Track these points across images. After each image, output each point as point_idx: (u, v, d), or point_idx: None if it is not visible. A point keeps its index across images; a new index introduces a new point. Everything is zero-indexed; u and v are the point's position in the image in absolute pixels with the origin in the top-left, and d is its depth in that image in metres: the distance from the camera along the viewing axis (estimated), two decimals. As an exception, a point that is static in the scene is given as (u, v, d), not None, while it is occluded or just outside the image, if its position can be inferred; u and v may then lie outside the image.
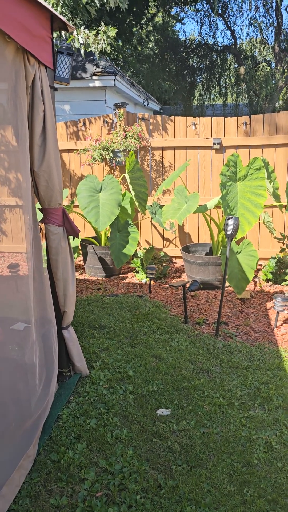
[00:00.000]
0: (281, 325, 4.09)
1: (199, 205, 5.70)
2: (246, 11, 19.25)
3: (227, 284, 4.96)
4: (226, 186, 4.31)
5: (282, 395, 2.93)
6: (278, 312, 3.95)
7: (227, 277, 4.25)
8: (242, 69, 17.60)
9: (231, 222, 3.67)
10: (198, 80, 21.11)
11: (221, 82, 19.72)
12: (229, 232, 3.68)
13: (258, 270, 5.63)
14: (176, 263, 6.08)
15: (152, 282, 5.24)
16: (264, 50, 19.78)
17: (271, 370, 3.25)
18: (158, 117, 5.78)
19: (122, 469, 2.25)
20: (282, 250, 5.15)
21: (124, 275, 5.56)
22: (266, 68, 17.08)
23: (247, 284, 4.35)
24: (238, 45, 19.21)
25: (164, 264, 5.71)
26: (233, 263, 4.31)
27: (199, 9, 18.81)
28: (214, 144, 5.63)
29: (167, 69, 20.63)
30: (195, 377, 3.13)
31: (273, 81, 16.41)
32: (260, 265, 5.80)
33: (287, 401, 2.85)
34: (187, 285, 4.79)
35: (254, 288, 5.07)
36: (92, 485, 2.16)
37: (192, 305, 4.59)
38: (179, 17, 20.04)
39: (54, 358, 2.73)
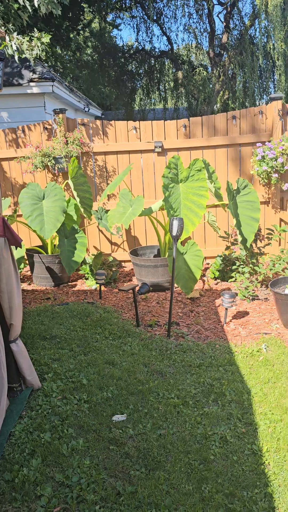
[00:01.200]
0: (230, 321, 4.19)
1: (144, 208, 5.74)
2: (180, 18, 19.72)
3: (175, 284, 5.02)
4: (168, 188, 4.37)
5: (234, 389, 3.00)
6: (226, 309, 4.05)
7: (174, 277, 4.30)
8: (180, 74, 18.01)
9: (175, 223, 3.72)
10: (138, 85, 21.33)
11: (160, 86, 20.06)
12: (174, 233, 3.73)
13: (205, 269, 5.76)
14: (125, 267, 6.08)
15: (102, 288, 5.20)
16: (200, 55, 20.37)
17: (222, 366, 3.32)
18: (98, 122, 5.77)
19: (80, 480, 2.20)
20: (227, 248, 5.29)
21: (74, 283, 5.47)
22: (203, 73, 17.60)
23: (195, 284, 4.43)
24: (174, 51, 19.64)
25: (113, 269, 5.69)
26: (180, 264, 4.37)
27: (135, 15, 19.03)
28: (155, 147, 5.70)
29: (107, 74, 20.69)
30: (149, 379, 3.14)
31: (210, 85, 16.92)
32: (208, 264, 5.93)
33: (239, 395, 2.92)
34: (137, 288, 4.79)
35: (203, 287, 5.17)
36: (49, 501, 2.09)
37: (143, 308, 4.61)
38: (116, 23, 20.17)
39: (3, 373, 2.62)
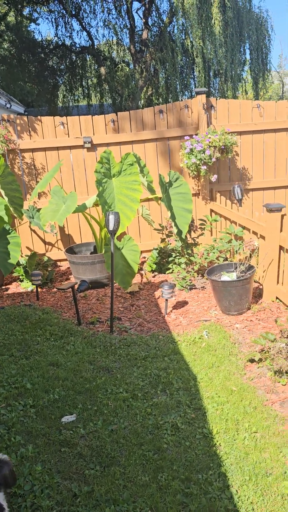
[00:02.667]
0: (171, 312, 4.26)
1: (78, 205, 5.64)
2: (100, 13, 19.54)
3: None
4: (102, 183, 4.33)
5: (181, 377, 3.05)
6: (166, 300, 4.11)
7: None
8: (102, 70, 17.91)
9: (111, 217, 3.69)
10: (61, 82, 20.91)
11: (83, 83, 19.82)
12: (111, 227, 3.70)
13: (142, 263, 5.80)
14: (61, 266, 5.95)
15: (39, 289, 5.04)
16: (121, 51, 20.41)
17: (167, 356, 3.36)
18: (25, 118, 5.56)
19: (33, 488, 2.11)
20: (163, 240, 5.37)
21: (7, 286, 5.25)
22: (125, 69, 17.65)
23: (133, 278, 4.44)
24: (95, 46, 19.48)
25: (49, 268, 5.54)
26: (117, 259, 4.36)
27: (53, 9, 18.58)
28: (85, 143, 5.61)
29: (27, 70, 20.03)
30: (96, 376, 3.09)
31: (134, 81, 17.03)
32: (144, 257, 5.98)
33: (186, 382, 2.98)
34: (76, 286, 4.71)
35: (141, 281, 5.21)
36: (1, 514, 1.98)
37: (84, 306, 4.54)
38: (33, 17, 19.56)
39: None
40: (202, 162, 5.39)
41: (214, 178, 5.51)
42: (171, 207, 4.59)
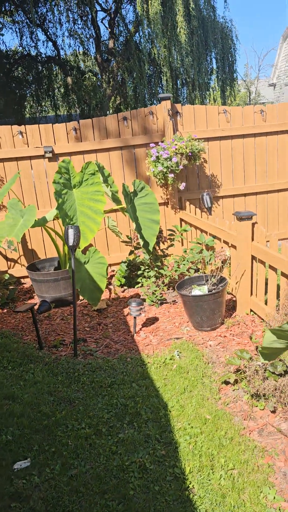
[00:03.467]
0: (141, 330, 3.98)
1: (38, 218, 5.32)
2: (65, 23, 19.31)
3: (81, 297, 4.69)
4: (61, 195, 4.04)
5: (150, 406, 2.76)
6: (135, 318, 3.83)
7: (79, 289, 3.97)
8: (69, 80, 17.66)
9: (71, 232, 3.40)
10: (27, 92, 20.54)
11: (50, 93, 19.51)
12: (70, 243, 3.40)
13: (111, 277, 5.51)
14: (25, 283, 5.59)
15: None
16: (88, 61, 20.25)
17: (136, 381, 3.07)
18: (-21, 128, 5.22)
19: None
20: (131, 252, 5.10)
21: None
22: (92, 78, 17.46)
23: (102, 294, 4.15)
24: (62, 56, 19.24)
25: (10, 287, 5.18)
26: (82, 275, 4.06)
27: (17, 20, 18.26)
28: (45, 152, 5.31)
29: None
30: (56, 410, 2.77)
31: (101, 90, 16.84)
32: (113, 271, 5.69)
33: (155, 412, 2.70)
34: (36, 307, 4.37)
35: (110, 296, 4.91)
36: None
37: (47, 327, 4.20)
38: (-4, 28, 19.15)
39: None
40: (169, 170, 5.17)
41: (182, 186, 5.30)
42: (137, 218, 4.33)
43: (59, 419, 2.67)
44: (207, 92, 18.45)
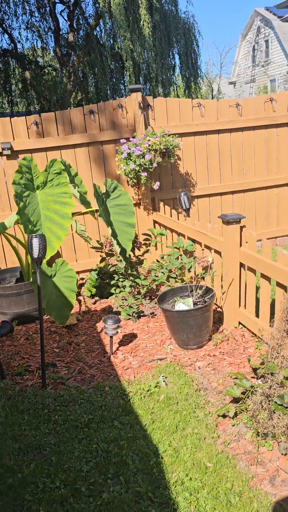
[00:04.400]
0: (118, 350, 3.51)
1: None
2: (22, 15, 18.42)
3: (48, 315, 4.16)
4: (23, 198, 3.50)
5: (137, 451, 2.31)
6: (111, 337, 3.35)
7: (44, 307, 3.45)
8: (28, 74, 16.84)
9: (35, 242, 2.88)
10: (-18, 87, 19.47)
11: (7, 88, 18.55)
12: (35, 254, 2.89)
13: (80, 286, 5.00)
14: (-17, 296, 4.98)
15: None
16: (47, 55, 19.44)
17: (117, 418, 2.60)
18: None
19: None
20: (103, 260, 4.61)
21: None
22: (52, 73, 16.72)
23: (71, 310, 3.64)
24: (19, 50, 18.35)
25: None
26: (49, 290, 3.54)
27: None
28: (3, 149, 4.73)
29: None
30: (22, 463, 2.27)
31: (62, 86, 16.15)
32: (82, 279, 5.18)
33: (145, 460, 2.24)
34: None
35: (80, 309, 4.41)
36: None
37: (9, 349, 3.66)
38: None
39: None
40: (142, 168, 4.72)
41: (156, 185, 4.86)
42: (111, 222, 3.85)
43: (27, 476, 2.17)
44: (170, 88, 18.10)
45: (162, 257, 4.30)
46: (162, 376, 2.97)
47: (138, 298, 4.03)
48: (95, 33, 16.44)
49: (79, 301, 4.60)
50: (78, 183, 4.23)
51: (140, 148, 4.62)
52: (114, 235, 3.77)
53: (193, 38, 17.82)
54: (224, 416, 2.52)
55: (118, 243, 3.79)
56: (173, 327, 3.31)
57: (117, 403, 2.74)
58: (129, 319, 4.00)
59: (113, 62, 17.31)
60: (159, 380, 2.94)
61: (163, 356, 3.30)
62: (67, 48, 16.94)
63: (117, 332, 3.31)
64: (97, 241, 4.63)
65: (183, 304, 3.31)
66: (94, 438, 2.42)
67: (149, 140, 4.70)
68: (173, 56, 17.84)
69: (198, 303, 3.41)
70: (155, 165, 4.71)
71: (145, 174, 4.73)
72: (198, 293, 3.43)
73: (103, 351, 3.50)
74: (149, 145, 4.65)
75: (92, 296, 4.67)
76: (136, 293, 4.19)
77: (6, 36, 20.67)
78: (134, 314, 3.98)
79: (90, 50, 15.99)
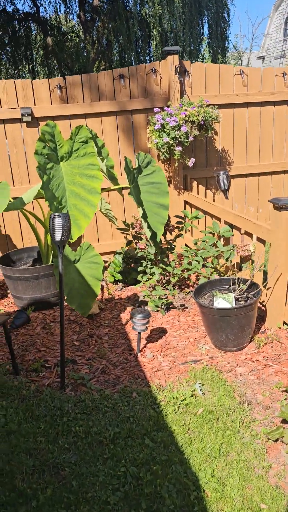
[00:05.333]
0: (145, 346, 3.12)
1: (13, 199, 4.35)
2: (45, -24, 17.57)
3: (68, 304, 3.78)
4: (47, 170, 3.07)
5: (174, 480, 1.93)
6: (139, 333, 2.96)
7: (65, 296, 3.07)
8: (49, 40, 16.13)
9: (58, 222, 2.46)
10: (3, 54, 18.80)
11: (28, 55, 17.85)
12: (57, 237, 2.47)
13: (104, 269, 4.59)
14: (-2, 275, 4.64)
15: None
16: (71, 20, 18.62)
17: (148, 434, 2.23)
18: None
19: None
20: (129, 242, 4.19)
21: None
22: (75, 39, 16.00)
23: (94, 300, 3.25)
24: (42, 14, 17.58)
25: (-21, 281, 4.23)
26: (71, 276, 3.14)
27: None
28: (23, 115, 4.28)
29: None
30: (37, 486, 1.91)
31: (85, 54, 15.44)
32: (105, 262, 4.78)
33: (184, 494, 1.87)
34: (9, 321, 3.45)
35: (102, 296, 4.02)
36: None
37: (24, 339, 3.30)
38: None
39: None
40: (177, 141, 4.23)
41: (191, 162, 4.37)
42: (141, 202, 3.41)
43: (43, 505, 1.81)
44: (197, 60, 17.22)
45: (196, 243, 3.86)
46: (198, 384, 2.57)
47: (168, 288, 3.61)
48: (122, -2, 15.56)
49: (102, 287, 4.21)
50: (105, 156, 3.77)
51: (175, 119, 4.12)
52: (144, 216, 3.33)
53: (225, 6, 16.80)
54: (276, 439, 2.13)
55: (149, 226, 3.36)
56: (210, 326, 2.90)
57: (147, 415, 2.36)
58: (157, 311, 3.59)
59: (139, 30, 16.44)
60: (195, 388, 2.55)
61: (198, 358, 2.90)
62: (91, 13, 16.12)
63: (146, 328, 2.92)
64: (123, 222, 4.20)
65: (223, 300, 2.88)
66: (121, 459, 2.05)
67: (185, 110, 4.19)
68: (202, 25, 16.88)
69: (240, 299, 2.98)
70: (191, 138, 4.21)
71: (180, 148, 4.24)
72: (242, 288, 2.99)
73: (128, 347, 3.12)
74: (185, 115, 4.14)
75: (116, 281, 4.27)
76: (165, 282, 3.78)
77: (28, -1, 19.76)
78: (163, 306, 3.58)
79: (115, 15, 15.16)
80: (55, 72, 18.04)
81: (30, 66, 18.33)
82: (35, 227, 3.76)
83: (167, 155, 4.41)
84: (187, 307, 3.64)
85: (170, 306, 3.65)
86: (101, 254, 4.86)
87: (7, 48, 18.31)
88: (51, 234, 2.48)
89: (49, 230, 2.52)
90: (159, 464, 2.01)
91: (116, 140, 4.61)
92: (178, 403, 2.43)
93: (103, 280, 4.34)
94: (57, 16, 17.57)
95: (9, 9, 17.99)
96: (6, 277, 3.70)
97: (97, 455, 2.09)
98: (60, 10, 17.84)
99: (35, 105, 4.36)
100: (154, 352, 3.02)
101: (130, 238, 4.54)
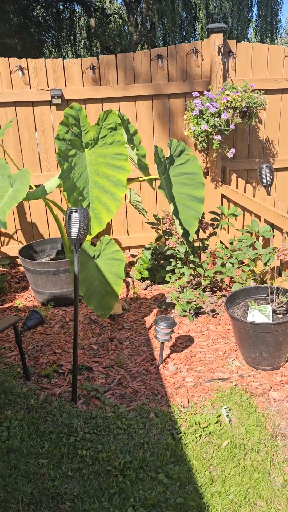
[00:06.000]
0: (168, 357, 2.83)
1: (34, 186, 4.13)
2: None
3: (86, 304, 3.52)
4: (68, 158, 2.80)
5: (188, 532, 1.64)
6: (162, 343, 2.67)
7: (82, 295, 2.81)
8: (92, 22, 15.81)
9: (74, 217, 2.18)
10: (47, 36, 18.67)
11: (71, 37, 17.62)
12: (74, 234, 2.20)
13: (130, 264, 4.33)
14: (21, 265, 4.45)
15: (-18, 305, 3.57)
16: (115, 2, 18.19)
17: (164, 467, 1.94)
18: None
19: None
20: (158, 238, 3.88)
21: None
22: (118, 21, 15.60)
23: (116, 300, 2.97)
24: (85, -5, 17.22)
25: (1, 271, 4.05)
26: (90, 273, 2.88)
27: None
28: (53, 97, 4.02)
29: (8, 22, 17.74)
30: (32, 523, 1.68)
31: (127, 36, 15.03)
32: (133, 256, 4.50)
33: None
34: (21, 322, 3.24)
35: (127, 295, 3.75)
36: None
37: (40, 337, 3.09)
38: None
39: None
40: (216, 129, 3.85)
41: (231, 153, 3.99)
42: (173, 197, 3.08)
43: None
44: (244, 44, 16.40)
45: (231, 242, 3.50)
46: (225, 408, 2.26)
47: (199, 293, 3.28)
48: (168, -23, 14.96)
49: (127, 284, 3.94)
50: (136, 144, 3.46)
51: (216, 105, 3.74)
52: (176, 213, 3.00)
53: (278, -15, 15.86)
54: (313, 490, 1.79)
55: (181, 223, 3.03)
56: (242, 340, 2.57)
57: (164, 442, 2.07)
58: (185, 316, 3.28)
59: (185, 13, 15.83)
60: (221, 413, 2.23)
61: (227, 376, 2.58)
62: (136, -6, 15.62)
63: (170, 337, 2.62)
64: (154, 216, 3.89)
65: (259, 313, 2.53)
66: (130, 496, 1.79)
67: (227, 95, 3.80)
68: (251, 7, 16.06)
69: (278, 313, 2.62)
70: (232, 126, 3.82)
71: (219, 137, 3.86)
72: (282, 300, 2.63)
73: (150, 356, 2.83)
74: (227, 101, 3.75)
75: (143, 279, 3.99)
76: (196, 283, 3.45)
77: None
78: (191, 311, 3.26)
79: (161, -4, 14.60)
80: (98, 56, 17.76)
81: (74, 49, 18.13)
82: (58, 218, 3.52)
83: (205, 145, 4.04)
84: (217, 313, 3.30)
85: (200, 311, 3.33)
86: (130, 247, 4.59)
87: (52, 30, 18.16)
88: (67, 231, 2.21)
89: (65, 225, 2.25)
90: (173, 508, 1.73)
91: (151, 126, 4.28)
92: (200, 431, 2.13)
93: (129, 277, 4.07)
94: (101, -3, 17.18)
95: (54, -10, 17.68)
96: (26, 269, 3.49)
97: (103, 488, 1.83)
98: (104, -9, 17.37)
99: (65, 86, 4.09)
100: (177, 365, 2.73)
101: (160, 233, 4.23)
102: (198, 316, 3.28)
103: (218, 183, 4.41)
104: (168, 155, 3.14)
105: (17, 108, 4.08)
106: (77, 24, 17.57)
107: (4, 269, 4.31)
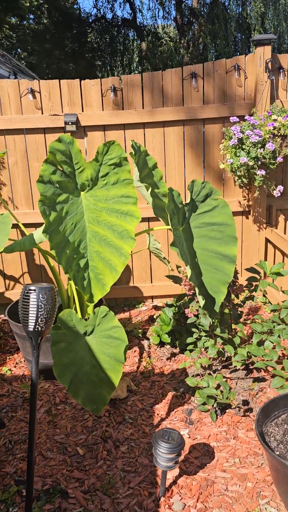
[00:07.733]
0: (175, 483, 2.03)
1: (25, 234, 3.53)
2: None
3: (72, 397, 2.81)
4: (56, 205, 2.15)
5: None
6: (164, 471, 1.89)
7: (67, 385, 2.10)
8: (144, 45, 15.58)
9: (33, 301, 1.50)
10: (100, 60, 18.75)
11: (124, 60, 17.51)
12: (30, 325, 1.51)
13: (151, 320, 3.59)
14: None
15: None
16: (167, 25, 17.94)
17: None
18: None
19: None
20: (181, 297, 3.12)
21: None
22: (170, 44, 15.24)
23: (111, 392, 2.23)
24: (138, 19, 17.15)
25: (-4, 325, 3.46)
26: (79, 355, 2.17)
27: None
28: (66, 123, 3.45)
29: (66, 48, 18.01)
30: None
31: (178, 58, 14.61)
32: (156, 308, 3.76)
33: None
34: None
35: (138, 367, 3.00)
36: None
37: (17, 427, 2.40)
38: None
39: None
40: (259, 162, 3.07)
41: (278, 191, 3.19)
42: (194, 254, 2.33)
43: None
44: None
45: (275, 310, 2.67)
46: None
47: (224, 386, 2.45)
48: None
49: (141, 350, 3.19)
50: (156, 180, 2.75)
51: (259, 132, 2.97)
52: (195, 279, 2.24)
53: None
54: None
55: (202, 291, 2.26)
56: (282, 485, 1.73)
57: None
58: (206, 411, 2.47)
59: (239, 34, 15.21)
60: None
61: (256, 532, 1.74)
62: (189, 16, 15.24)
63: (175, 463, 1.84)
64: (177, 267, 3.14)
65: (307, 442, 1.69)
66: None
67: (275, 120, 3.02)
68: (312, 26, 15.10)
69: None
70: (280, 159, 3.03)
71: (263, 172, 3.08)
72: None
73: (151, 476, 2.06)
74: (274, 127, 2.98)
75: (161, 344, 3.23)
76: (225, 359, 2.64)
77: (127, 5, 19.45)
78: (214, 405, 2.45)
79: (214, 18, 14.10)
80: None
81: (125, 73, 18.03)
82: (56, 270, 2.87)
83: (245, 180, 3.27)
84: (251, 409, 2.47)
85: (226, 406, 2.51)
86: (154, 297, 3.86)
87: (105, 55, 18.21)
88: (20, 317, 1.53)
89: (19, 310, 1.57)
90: None
91: (181, 157, 3.58)
92: None
93: (146, 339, 3.33)
94: (154, 21, 16.99)
95: (109, 16, 17.82)
96: (14, 333, 2.85)
97: None
98: (158, 16, 17.22)
99: (82, 111, 3.50)
100: (186, 499, 1.93)
101: (185, 290, 3.47)
102: (224, 412, 2.46)
103: (262, 225, 3.60)
104: (189, 200, 2.40)
105: (27, 136, 3.54)
106: (130, 47, 17.47)
107: (6, 318, 3.73)
